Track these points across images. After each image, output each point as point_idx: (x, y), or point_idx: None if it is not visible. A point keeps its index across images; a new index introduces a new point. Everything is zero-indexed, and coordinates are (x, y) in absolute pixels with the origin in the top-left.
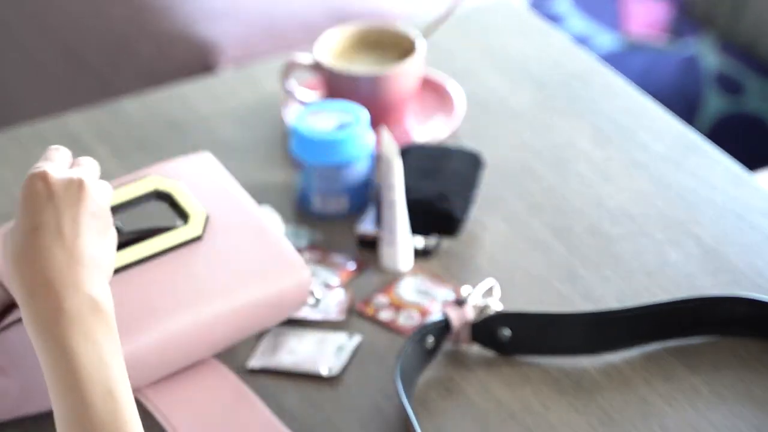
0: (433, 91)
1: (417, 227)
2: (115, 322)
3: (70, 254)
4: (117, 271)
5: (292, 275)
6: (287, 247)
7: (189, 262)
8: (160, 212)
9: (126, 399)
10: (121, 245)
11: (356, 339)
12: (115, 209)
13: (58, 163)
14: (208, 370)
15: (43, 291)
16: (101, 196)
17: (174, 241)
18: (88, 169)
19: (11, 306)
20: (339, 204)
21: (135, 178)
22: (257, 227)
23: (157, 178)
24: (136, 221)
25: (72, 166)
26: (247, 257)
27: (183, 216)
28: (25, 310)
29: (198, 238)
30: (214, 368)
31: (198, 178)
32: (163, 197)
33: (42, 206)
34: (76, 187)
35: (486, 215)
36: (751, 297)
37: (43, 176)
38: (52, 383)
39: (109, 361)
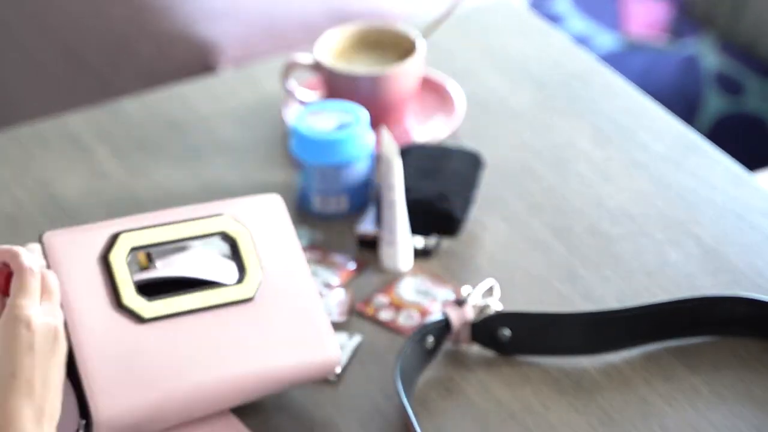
0: (433, 91)
1: (417, 227)
2: None
3: (40, 411)
4: (166, 317)
5: (324, 354)
6: (325, 324)
7: (230, 321)
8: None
9: None
10: (175, 285)
11: (356, 339)
12: (181, 241)
13: (35, 297)
14: (221, 424)
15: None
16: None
17: (225, 298)
18: (56, 305)
19: None
20: (339, 204)
21: (207, 213)
22: (303, 296)
23: (228, 220)
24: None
25: (42, 291)
26: (285, 326)
27: (240, 267)
28: None
29: (248, 300)
30: (227, 422)
31: (262, 225)
32: (228, 240)
33: (23, 355)
34: (53, 336)
35: (486, 215)
36: (751, 297)
37: (27, 323)
38: None
39: None
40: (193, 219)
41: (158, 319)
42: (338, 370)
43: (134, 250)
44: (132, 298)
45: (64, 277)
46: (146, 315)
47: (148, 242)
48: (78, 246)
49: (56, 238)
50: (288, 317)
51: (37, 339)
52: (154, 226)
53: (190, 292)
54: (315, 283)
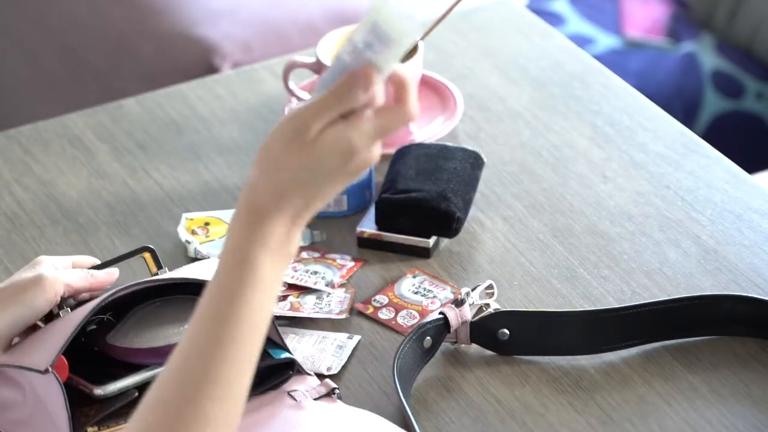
0: (433, 91)
1: (417, 227)
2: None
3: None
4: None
5: None
6: None
7: None
8: None
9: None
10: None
11: (356, 338)
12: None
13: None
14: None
15: (260, 201)
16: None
17: None
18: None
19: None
20: (339, 204)
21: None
22: None
23: None
24: None
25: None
26: None
27: None
28: (241, 202)
29: None
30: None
31: None
32: None
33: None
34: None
35: (486, 215)
36: (750, 296)
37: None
38: (216, 273)
39: (271, 288)
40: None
41: None
42: None
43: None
44: None
45: None
46: None
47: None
48: None
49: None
50: None
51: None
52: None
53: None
54: None
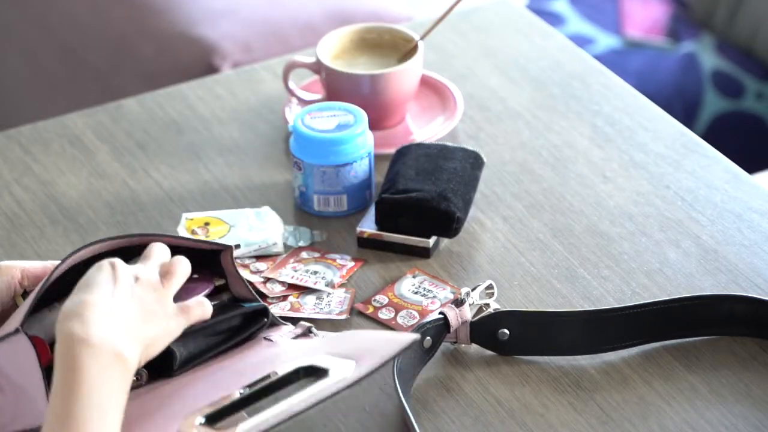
0: (433, 91)
1: (417, 227)
2: (128, 385)
3: (110, 314)
4: None
5: None
6: None
7: None
8: None
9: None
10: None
11: None
12: None
13: (144, 262)
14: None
15: (79, 317)
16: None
17: None
18: (170, 285)
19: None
20: (339, 204)
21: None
22: None
23: None
24: None
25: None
26: None
27: None
28: (60, 325)
29: None
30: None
31: None
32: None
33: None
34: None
35: (486, 215)
36: (750, 296)
37: (113, 262)
38: (53, 395)
39: (107, 402)
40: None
41: None
42: None
43: None
44: None
45: None
46: None
47: None
48: None
49: None
50: None
51: (119, 273)
52: None
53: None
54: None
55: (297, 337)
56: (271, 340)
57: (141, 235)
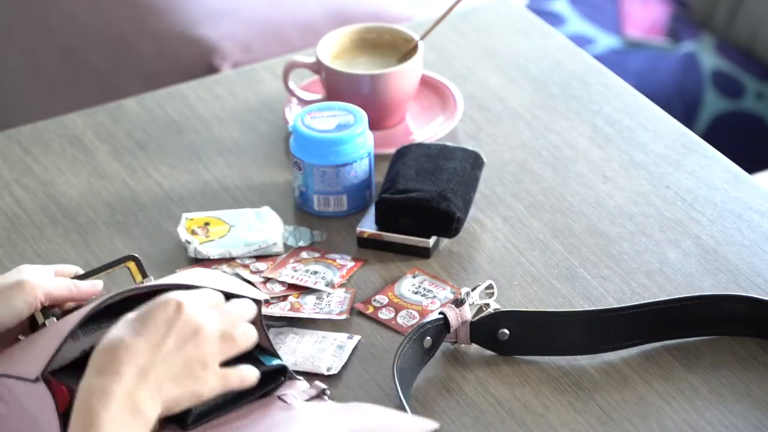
0: (433, 91)
1: (417, 227)
2: None
3: (146, 369)
4: None
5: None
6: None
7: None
8: None
9: None
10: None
11: (356, 338)
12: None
13: (213, 311)
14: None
15: (107, 369)
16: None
17: None
18: (230, 346)
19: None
20: (339, 204)
21: None
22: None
23: None
24: None
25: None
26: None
27: None
28: (89, 369)
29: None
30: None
31: None
32: None
33: (156, 325)
34: (193, 331)
35: (486, 215)
36: (750, 296)
37: (179, 304)
38: None
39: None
40: None
41: None
42: None
43: None
44: None
45: None
46: None
47: None
48: None
49: None
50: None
51: (181, 321)
52: None
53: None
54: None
55: (311, 398)
56: (285, 402)
57: (181, 286)
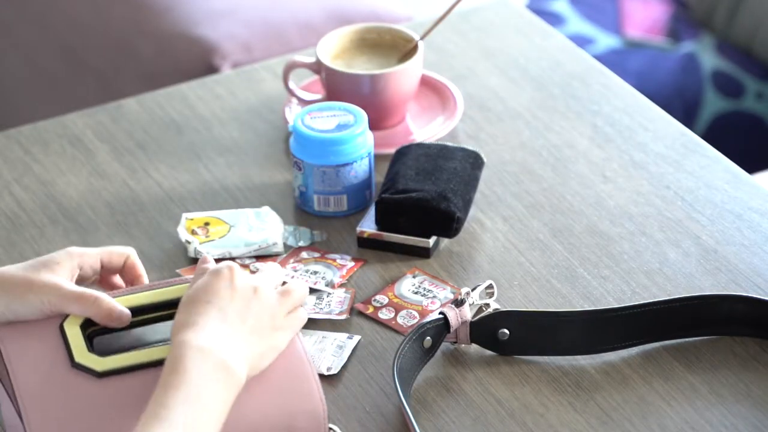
0: (433, 91)
1: (417, 227)
2: (233, 397)
3: (223, 331)
4: (123, 371)
5: (309, 404)
6: (309, 372)
7: None
8: None
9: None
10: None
11: (356, 338)
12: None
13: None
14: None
15: (194, 326)
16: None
17: None
18: (288, 302)
19: None
20: (339, 204)
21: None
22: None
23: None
24: None
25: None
26: (258, 377)
27: None
28: (174, 336)
29: None
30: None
31: None
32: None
33: (221, 288)
34: (251, 291)
35: (486, 215)
36: (750, 296)
37: (231, 267)
38: (155, 392)
39: (207, 401)
40: (162, 286)
41: (115, 373)
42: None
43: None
44: (85, 356)
45: (21, 344)
46: (100, 369)
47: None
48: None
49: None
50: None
51: (239, 283)
52: (125, 294)
53: (148, 346)
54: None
55: None
56: None
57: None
